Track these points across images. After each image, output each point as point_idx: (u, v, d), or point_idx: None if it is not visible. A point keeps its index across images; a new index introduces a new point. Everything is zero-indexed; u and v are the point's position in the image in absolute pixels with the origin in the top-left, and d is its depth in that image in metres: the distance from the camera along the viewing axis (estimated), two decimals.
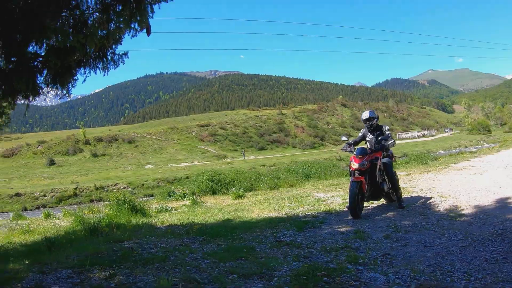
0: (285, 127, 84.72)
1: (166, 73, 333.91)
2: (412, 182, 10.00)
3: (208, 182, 13.52)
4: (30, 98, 4.99)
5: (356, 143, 7.15)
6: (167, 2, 4.56)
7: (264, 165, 38.14)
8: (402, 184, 8.54)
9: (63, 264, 4.24)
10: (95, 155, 62.83)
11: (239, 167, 29.98)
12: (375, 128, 7.07)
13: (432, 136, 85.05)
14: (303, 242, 4.82)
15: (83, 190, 31.61)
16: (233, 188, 12.07)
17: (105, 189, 31.65)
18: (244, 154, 60.23)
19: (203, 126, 79.03)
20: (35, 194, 32.59)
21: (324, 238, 4.99)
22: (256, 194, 11.15)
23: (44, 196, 31.83)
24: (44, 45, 4.43)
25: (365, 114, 7.16)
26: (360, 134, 7.36)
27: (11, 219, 11.20)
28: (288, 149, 71.47)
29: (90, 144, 67.09)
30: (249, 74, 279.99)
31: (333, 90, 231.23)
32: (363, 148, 6.64)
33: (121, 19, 4.28)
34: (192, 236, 5.48)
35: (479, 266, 3.62)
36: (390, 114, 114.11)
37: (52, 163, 59.97)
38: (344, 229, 5.44)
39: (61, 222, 10.10)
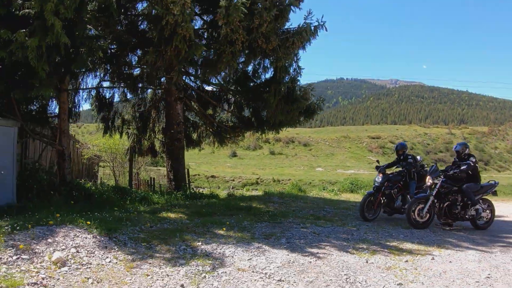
0: (452, 147, 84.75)
1: (346, 79, 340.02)
2: None
3: (349, 184, 21.07)
4: (260, 133, 13.21)
5: (384, 168, 10.28)
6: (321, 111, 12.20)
7: None
8: None
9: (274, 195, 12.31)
10: (272, 153, 73.78)
11: None
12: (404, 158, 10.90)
13: None
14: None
15: (263, 180, 41.29)
16: (363, 190, 19.20)
17: (280, 182, 40.70)
18: None
19: (373, 138, 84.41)
20: (226, 178, 43.42)
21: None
22: None
23: (233, 180, 42.41)
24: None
25: (399, 146, 10.55)
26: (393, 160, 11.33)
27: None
28: None
29: (269, 143, 78.37)
30: (430, 86, 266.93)
31: None
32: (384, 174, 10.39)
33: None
34: (321, 199, 12.99)
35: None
36: None
37: (234, 155, 72.73)
38: None
39: (257, 192, 18.71)
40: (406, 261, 5.20)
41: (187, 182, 13.03)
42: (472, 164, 8.43)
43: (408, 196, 9.35)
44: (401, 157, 9.80)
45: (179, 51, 7.30)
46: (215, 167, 57.84)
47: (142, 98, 14.59)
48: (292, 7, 9.51)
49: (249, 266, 4.46)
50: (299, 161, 69.22)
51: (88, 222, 5.11)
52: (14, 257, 3.83)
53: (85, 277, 3.66)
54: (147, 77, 11.12)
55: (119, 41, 9.72)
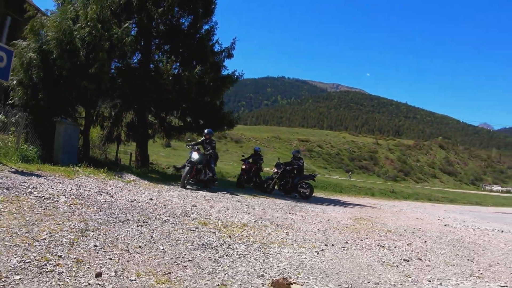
0: (376, 156, 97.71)
1: (288, 78, 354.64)
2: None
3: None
4: (197, 134, 22.08)
5: (194, 145, 15.03)
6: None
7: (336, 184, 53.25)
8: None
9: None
10: None
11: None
12: (209, 142, 15.30)
13: None
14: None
15: None
16: None
17: None
18: (350, 176, 74.63)
19: (303, 141, 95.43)
20: (162, 165, 51.66)
21: None
22: None
23: (168, 168, 50.75)
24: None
25: (207, 132, 15.46)
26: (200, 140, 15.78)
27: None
28: (373, 177, 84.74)
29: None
30: (371, 94, 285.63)
31: (453, 127, 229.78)
32: (199, 153, 14.47)
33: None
34: (230, 183, 22.05)
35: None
36: (489, 164, 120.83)
37: (168, 145, 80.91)
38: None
39: None
40: (253, 198, 14.35)
41: (149, 162, 21.69)
42: (301, 164, 17.49)
43: (208, 170, 14.51)
44: (207, 141, 14.95)
45: (163, 96, 16.18)
46: (150, 155, 65.41)
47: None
48: (222, 66, 18.71)
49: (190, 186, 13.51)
50: (229, 157, 78.19)
51: (132, 172, 13.89)
52: (117, 176, 12.49)
53: (145, 183, 12.44)
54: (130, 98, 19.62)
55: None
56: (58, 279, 3.55)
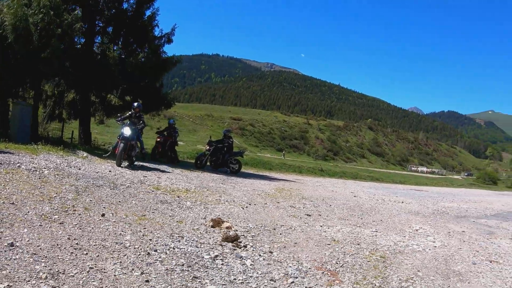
0: (307, 136, 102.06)
1: (222, 55, 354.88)
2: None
3: (195, 154, 32.44)
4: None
5: (122, 119, 14.72)
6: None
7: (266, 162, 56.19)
8: None
9: None
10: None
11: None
12: (138, 117, 14.88)
13: (440, 175, 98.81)
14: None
15: None
16: None
17: None
18: (284, 155, 77.60)
19: (235, 119, 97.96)
20: (99, 142, 52.67)
21: None
22: None
23: (104, 145, 51.86)
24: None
25: (136, 105, 14.94)
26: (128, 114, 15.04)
27: None
28: (303, 156, 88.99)
29: None
30: (304, 75, 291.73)
31: (384, 109, 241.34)
32: (131, 129, 13.99)
33: None
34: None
35: None
36: (415, 146, 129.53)
37: (102, 122, 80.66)
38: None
39: None
40: (190, 172, 16.62)
41: (91, 140, 23.28)
42: (231, 142, 19.62)
43: (135, 145, 14.28)
44: (137, 115, 14.68)
45: (108, 80, 18.00)
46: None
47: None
48: (162, 51, 20.65)
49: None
50: None
51: (82, 149, 15.71)
52: (72, 153, 14.30)
53: (96, 159, 14.36)
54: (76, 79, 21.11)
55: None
56: (80, 217, 5.82)
